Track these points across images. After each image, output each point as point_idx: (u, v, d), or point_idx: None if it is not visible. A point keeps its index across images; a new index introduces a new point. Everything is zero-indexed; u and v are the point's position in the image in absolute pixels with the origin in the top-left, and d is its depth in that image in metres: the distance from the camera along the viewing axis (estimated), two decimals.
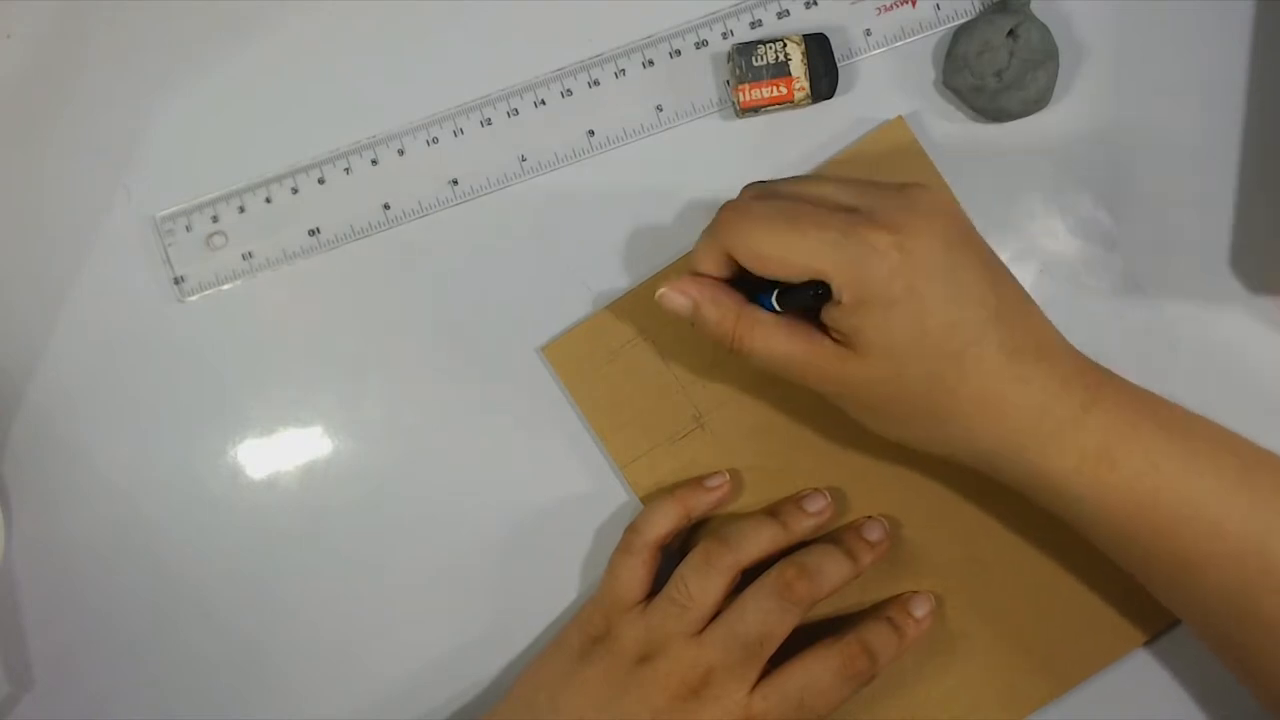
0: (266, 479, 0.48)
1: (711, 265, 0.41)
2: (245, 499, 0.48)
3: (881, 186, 0.39)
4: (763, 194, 0.41)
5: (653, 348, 0.47)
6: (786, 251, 0.38)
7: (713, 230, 0.40)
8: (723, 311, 0.40)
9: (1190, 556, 0.38)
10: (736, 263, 0.40)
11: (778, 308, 0.40)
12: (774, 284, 0.40)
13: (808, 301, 0.39)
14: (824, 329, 0.39)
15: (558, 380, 0.47)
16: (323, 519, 0.48)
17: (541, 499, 0.47)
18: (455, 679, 0.47)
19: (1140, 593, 0.44)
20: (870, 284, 0.37)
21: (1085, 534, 0.40)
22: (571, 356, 0.47)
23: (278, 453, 0.48)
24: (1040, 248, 0.47)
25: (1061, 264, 0.47)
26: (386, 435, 0.48)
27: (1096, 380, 0.39)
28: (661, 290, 0.41)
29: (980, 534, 0.45)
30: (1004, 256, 0.46)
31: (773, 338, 0.40)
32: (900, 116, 0.47)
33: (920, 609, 0.44)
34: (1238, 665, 0.40)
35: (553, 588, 0.47)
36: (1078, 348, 0.45)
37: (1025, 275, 0.47)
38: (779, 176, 0.47)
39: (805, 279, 0.38)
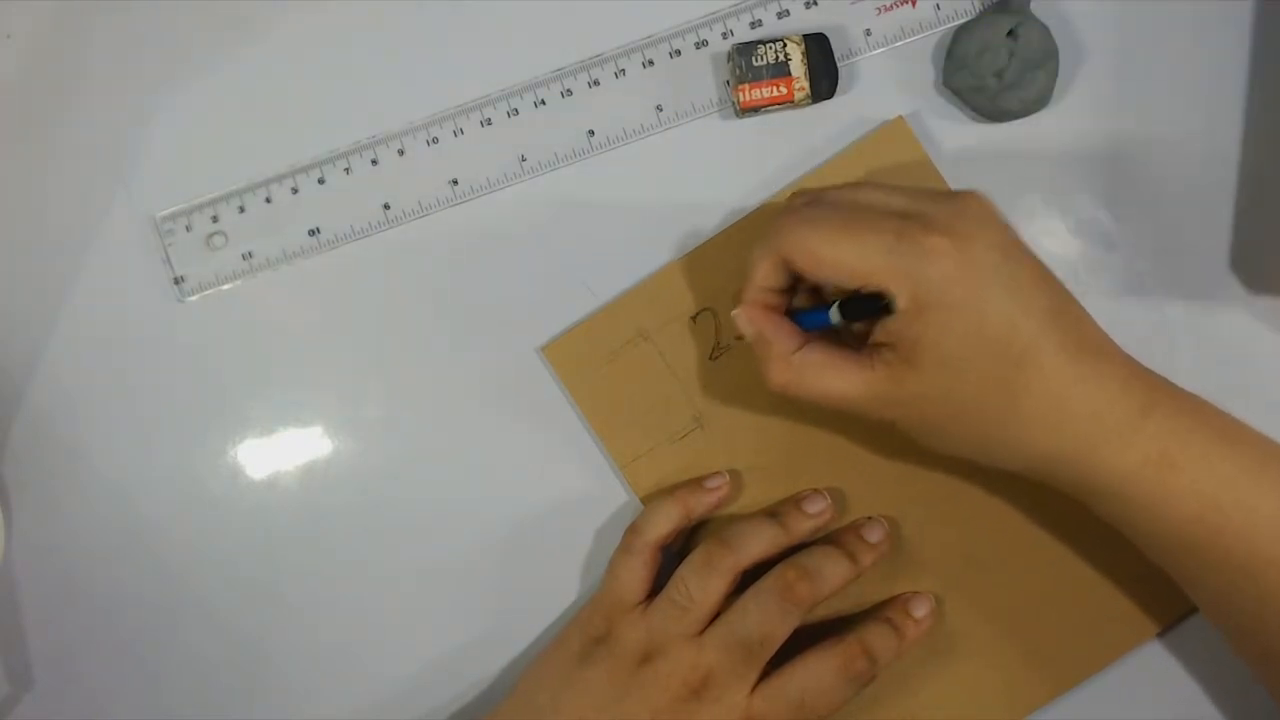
0: (266, 479, 0.48)
1: (767, 273, 0.41)
2: (245, 499, 0.48)
3: (932, 193, 0.40)
4: (814, 200, 0.41)
5: (653, 347, 0.47)
6: (843, 255, 0.38)
7: (768, 237, 0.40)
8: (776, 352, 0.40)
9: (1250, 562, 0.38)
10: (792, 271, 0.40)
11: (837, 318, 0.40)
12: (831, 300, 0.40)
13: (872, 313, 0.39)
14: (869, 355, 0.39)
15: (558, 380, 0.47)
16: (323, 519, 0.48)
17: (542, 499, 0.47)
18: (455, 678, 0.47)
19: (1138, 592, 0.44)
20: (929, 288, 0.37)
21: (1142, 543, 0.40)
22: (571, 356, 0.47)
23: (278, 453, 0.48)
24: (1040, 248, 0.46)
25: (1061, 264, 0.46)
26: (386, 435, 0.48)
27: (1152, 383, 0.39)
28: (737, 310, 0.41)
29: (979, 534, 0.45)
30: None
31: (824, 377, 0.40)
32: (900, 116, 0.47)
33: (920, 609, 0.44)
34: None
35: (553, 588, 0.47)
36: None
37: None
38: (785, 178, 0.47)
39: (860, 284, 0.38)
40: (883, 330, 0.39)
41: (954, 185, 0.46)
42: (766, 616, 0.41)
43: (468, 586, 0.47)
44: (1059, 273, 0.46)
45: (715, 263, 0.47)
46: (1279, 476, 0.38)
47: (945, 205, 0.39)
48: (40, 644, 0.48)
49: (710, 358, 0.46)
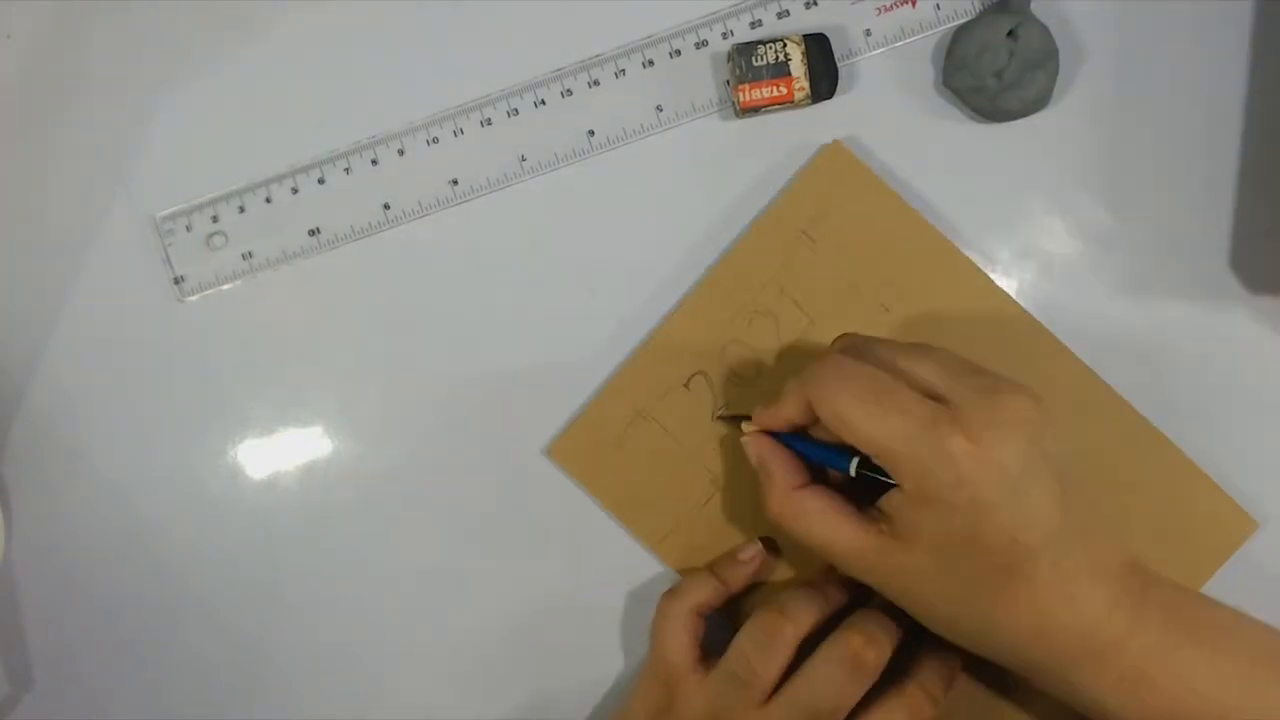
0: (266, 479, 0.48)
1: (794, 410, 0.41)
2: (245, 499, 0.48)
3: (976, 377, 0.38)
4: (861, 353, 0.40)
5: (655, 423, 0.46)
6: (863, 425, 0.37)
7: (804, 380, 0.40)
8: (774, 486, 0.41)
9: None
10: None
11: (854, 472, 0.40)
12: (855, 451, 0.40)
13: (887, 481, 0.38)
14: (867, 518, 0.39)
15: (570, 479, 0.47)
16: (323, 519, 0.48)
17: (540, 492, 0.47)
18: (455, 679, 0.47)
19: None
20: (935, 485, 0.36)
21: None
22: (578, 452, 0.46)
23: (278, 453, 0.48)
24: (1040, 248, 0.47)
25: (1061, 264, 0.47)
26: (386, 435, 0.48)
27: (1140, 599, 0.38)
28: (745, 437, 0.42)
29: None
30: (1004, 256, 0.47)
31: (815, 525, 0.40)
32: (837, 140, 0.46)
33: None
34: None
35: (552, 586, 0.47)
36: (1079, 353, 0.46)
37: (1025, 275, 0.47)
38: (783, 178, 0.47)
39: (872, 456, 0.38)
40: (886, 501, 0.38)
41: (954, 185, 0.47)
42: (837, 687, 0.41)
43: (468, 586, 0.47)
44: (1058, 273, 0.47)
45: (694, 326, 0.46)
46: (1262, 683, 0.38)
47: (984, 401, 0.37)
48: (40, 644, 0.48)
49: (713, 419, 0.46)
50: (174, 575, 0.48)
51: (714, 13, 0.47)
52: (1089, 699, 0.38)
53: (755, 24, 0.47)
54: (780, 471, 0.41)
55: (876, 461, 0.38)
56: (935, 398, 0.38)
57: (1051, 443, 0.38)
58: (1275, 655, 0.39)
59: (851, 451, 0.40)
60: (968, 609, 0.38)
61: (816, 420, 0.40)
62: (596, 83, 0.47)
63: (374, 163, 0.48)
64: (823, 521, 0.40)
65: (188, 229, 0.48)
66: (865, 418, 0.38)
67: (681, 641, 0.43)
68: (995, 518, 0.36)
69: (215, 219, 0.48)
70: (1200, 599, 0.40)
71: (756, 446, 0.42)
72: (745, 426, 0.43)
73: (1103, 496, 0.39)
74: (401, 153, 0.48)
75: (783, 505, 0.41)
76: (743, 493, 0.46)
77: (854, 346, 0.41)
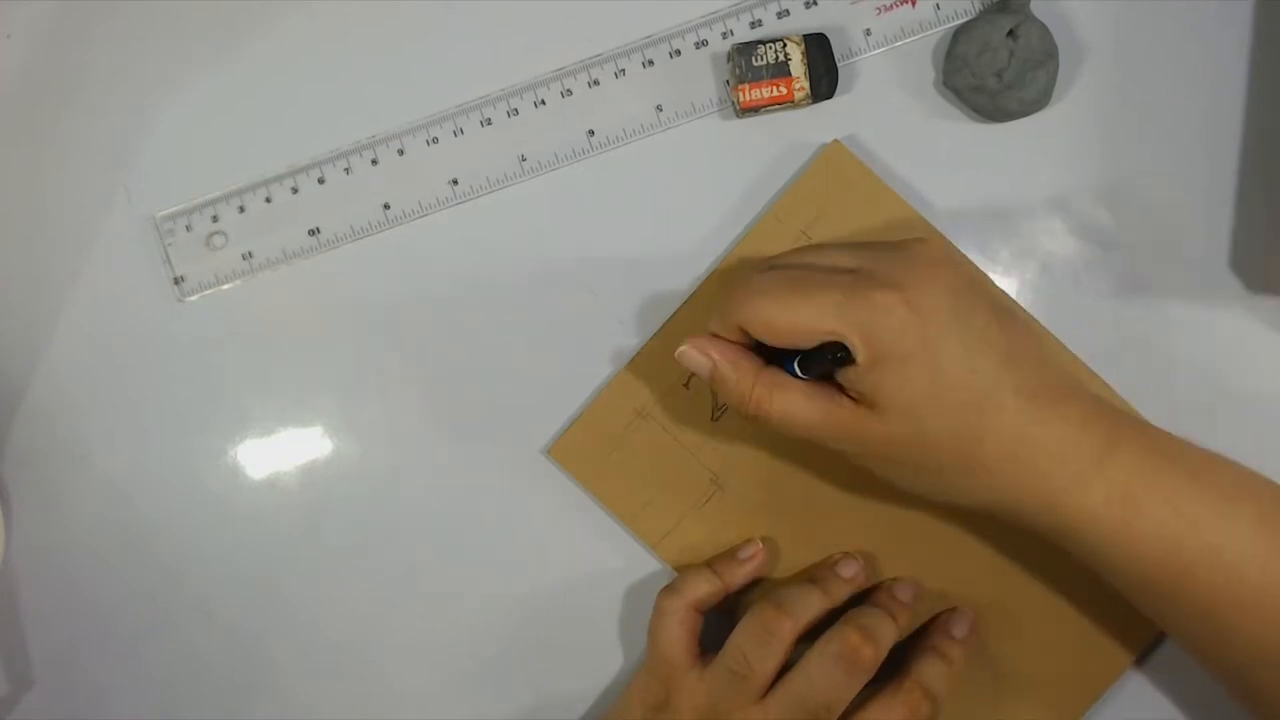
0: (266, 479, 0.48)
1: (729, 339, 0.41)
2: (245, 499, 0.48)
3: (880, 245, 0.39)
4: (763, 267, 0.41)
5: (655, 423, 0.46)
6: (795, 318, 0.38)
7: (722, 307, 0.40)
8: (741, 374, 0.40)
9: (1213, 604, 0.38)
10: (750, 340, 0.40)
11: (800, 374, 0.40)
12: (797, 352, 0.40)
13: (827, 364, 0.38)
14: (843, 390, 0.39)
15: (570, 478, 0.47)
16: (323, 519, 0.48)
17: (539, 488, 0.47)
18: (456, 677, 0.47)
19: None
20: (883, 341, 0.37)
21: (1110, 581, 0.40)
22: (578, 452, 0.46)
23: (278, 453, 0.48)
24: (1040, 248, 0.47)
25: (1061, 264, 0.47)
26: (386, 435, 0.48)
27: (1115, 421, 0.39)
28: (682, 348, 0.41)
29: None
30: (1004, 256, 0.47)
31: (792, 401, 0.39)
32: (837, 140, 0.47)
33: (959, 628, 0.44)
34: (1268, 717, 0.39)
35: (548, 586, 0.47)
36: (1077, 349, 0.46)
37: (1025, 275, 0.47)
38: (782, 178, 0.47)
39: (818, 343, 0.38)
40: (844, 378, 0.39)
41: (954, 185, 0.47)
42: (834, 683, 0.41)
43: (468, 586, 0.47)
44: (1058, 273, 0.47)
45: (695, 326, 0.46)
46: (1244, 515, 0.38)
47: (893, 257, 0.39)
48: (40, 644, 0.48)
49: (712, 419, 0.46)
50: (174, 575, 0.48)
51: (714, 13, 0.47)
52: (1077, 533, 0.38)
53: (755, 24, 0.47)
54: (740, 357, 0.40)
55: (823, 344, 0.38)
56: (849, 273, 0.38)
57: (974, 277, 0.39)
58: (1256, 487, 0.39)
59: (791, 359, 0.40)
60: (949, 460, 0.38)
61: (751, 344, 0.41)
62: (596, 83, 0.47)
63: (374, 163, 0.48)
64: (798, 394, 0.39)
65: (188, 229, 0.48)
66: (792, 310, 0.38)
67: (679, 637, 0.43)
68: (947, 352, 0.37)
69: (215, 219, 0.48)
70: (1171, 434, 0.40)
71: (705, 348, 0.41)
72: (681, 350, 0.41)
73: (1035, 327, 0.41)
74: (401, 153, 0.48)
75: (755, 388, 0.40)
76: (743, 492, 0.46)
77: (759, 266, 0.41)
